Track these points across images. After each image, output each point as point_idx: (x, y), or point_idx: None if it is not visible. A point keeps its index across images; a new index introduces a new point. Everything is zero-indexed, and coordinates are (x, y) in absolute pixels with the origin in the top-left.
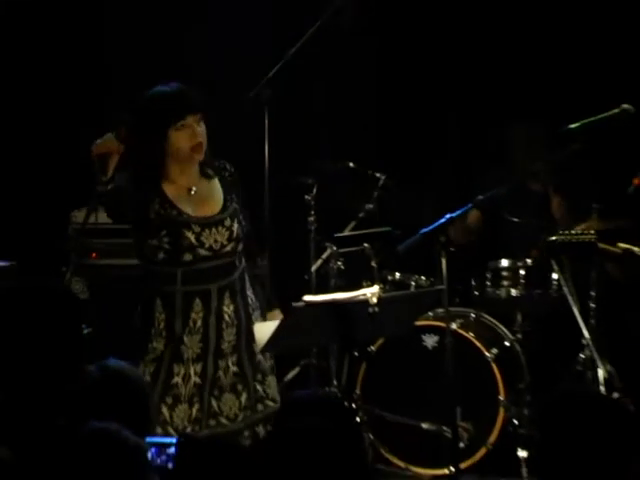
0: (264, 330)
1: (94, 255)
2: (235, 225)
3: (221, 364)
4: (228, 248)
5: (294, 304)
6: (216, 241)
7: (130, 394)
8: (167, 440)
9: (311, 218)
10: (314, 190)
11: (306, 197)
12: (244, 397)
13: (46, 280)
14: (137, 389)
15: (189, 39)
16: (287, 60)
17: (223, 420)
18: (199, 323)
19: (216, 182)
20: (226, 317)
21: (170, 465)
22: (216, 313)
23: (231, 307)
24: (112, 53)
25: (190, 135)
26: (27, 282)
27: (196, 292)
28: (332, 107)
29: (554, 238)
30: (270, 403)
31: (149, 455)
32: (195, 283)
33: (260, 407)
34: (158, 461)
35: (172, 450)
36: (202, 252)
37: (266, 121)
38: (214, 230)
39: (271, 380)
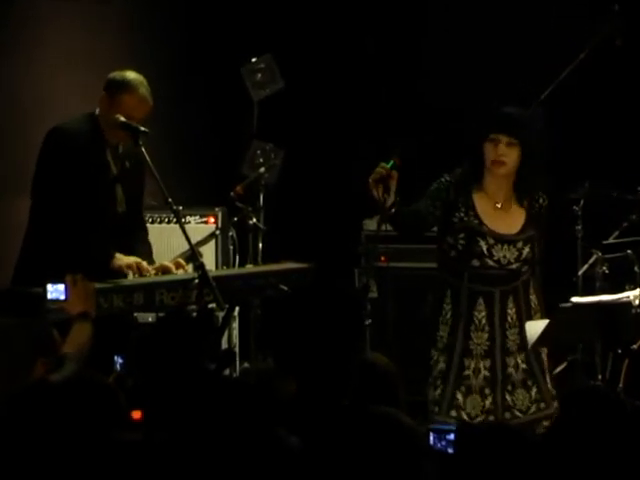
0: (534, 328)
1: (383, 259)
2: (526, 250)
3: (509, 361)
4: (513, 266)
5: (562, 304)
6: (505, 257)
7: (381, 380)
8: (446, 427)
9: (578, 227)
10: (581, 202)
11: (574, 208)
12: (534, 391)
13: (339, 281)
14: (386, 376)
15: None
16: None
17: (517, 412)
18: (484, 321)
19: (521, 209)
20: (509, 318)
21: (450, 450)
22: (500, 314)
23: (514, 309)
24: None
25: (494, 149)
26: (323, 283)
27: (480, 292)
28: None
29: None
30: (555, 403)
31: (430, 440)
32: (480, 284)
33: (555, 404)
34: (438, 446)
35: (451, 436)
36: (489, 262)
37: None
38: (505, 247)
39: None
